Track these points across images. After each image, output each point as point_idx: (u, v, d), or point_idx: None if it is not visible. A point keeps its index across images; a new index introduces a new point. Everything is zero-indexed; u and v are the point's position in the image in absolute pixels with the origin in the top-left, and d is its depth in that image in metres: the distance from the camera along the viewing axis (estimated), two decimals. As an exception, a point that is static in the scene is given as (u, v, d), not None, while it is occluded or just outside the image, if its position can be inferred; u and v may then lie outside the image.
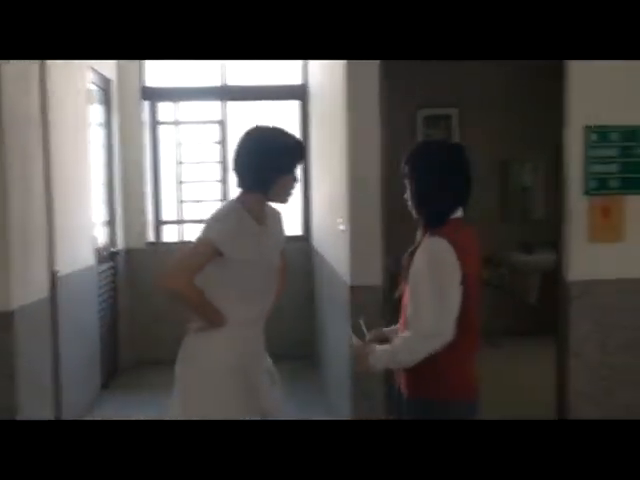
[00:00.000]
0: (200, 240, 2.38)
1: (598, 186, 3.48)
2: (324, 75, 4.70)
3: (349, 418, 3.66)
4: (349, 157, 3.53)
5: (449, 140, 2.35)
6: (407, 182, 2.28)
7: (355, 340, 2.35)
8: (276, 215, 2.63)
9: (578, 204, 3.50)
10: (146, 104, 6.10)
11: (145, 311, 5.95)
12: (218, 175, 6.20)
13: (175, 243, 6.23)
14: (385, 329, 2.50)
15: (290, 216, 6.49)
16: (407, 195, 2.29)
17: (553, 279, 3.70)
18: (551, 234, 3.90)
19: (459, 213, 2.24)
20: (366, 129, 3.49)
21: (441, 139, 2.38)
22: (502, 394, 4.83)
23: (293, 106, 6.29)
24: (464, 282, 2.13)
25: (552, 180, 3.76)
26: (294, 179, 2.49)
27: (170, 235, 6.33)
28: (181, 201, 6.26)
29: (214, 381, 2.40)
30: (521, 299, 6.64)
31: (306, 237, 6.31)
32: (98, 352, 5.08)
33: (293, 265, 6.12)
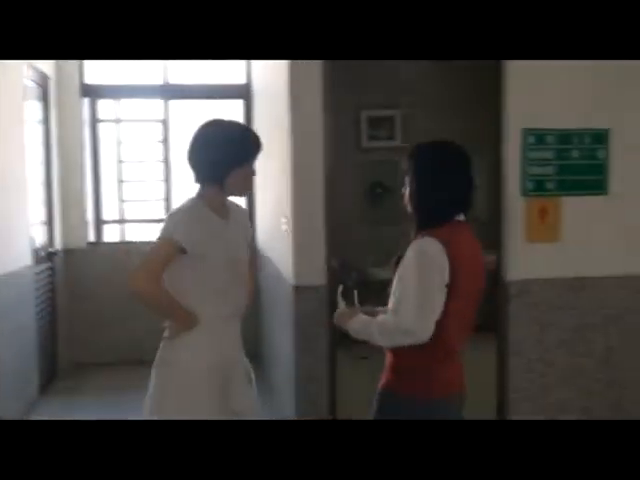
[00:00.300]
0: (161, 239, 2.33)
1: (535, 187, 3.57)
2: (267, 75, 4.68)
3: (294, 419, 3.65)
4: (292, 158, 3.53)
5: (452, 142, 2.32)
6: (407, 180, 2.28)
7: (343, 304, 2.38)
8: (239, 209, 2.61)
9: (516, 205, 3.57)
10: (86, 101, 5.97)
11: (85, 312, 5.82)
12: (161, 174, 6.11)
13: (116, 243, 6.11)
14: (378, 308, 2.48)
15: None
16: (405, 192, 2.29)
17: (493, 278, 3.76)
18: (492, 234, 3.98)
19: (460, 216, 2.25)
20: (309, 130, 3.49)
21: (444, 140, 2.36)
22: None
23: (237, 105, 6.24)
24: (457, 283, 2.13)
25: (493, 181, 3.81)
26: (250, 171, 2.46)
27: (111, 235, 6.22)
28: (122, 200, 6.15)
29: (189, 381, 2.37)
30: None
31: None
32: (36, 355, 4.94)
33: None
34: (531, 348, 3.62)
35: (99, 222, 6.15)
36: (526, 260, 3.59)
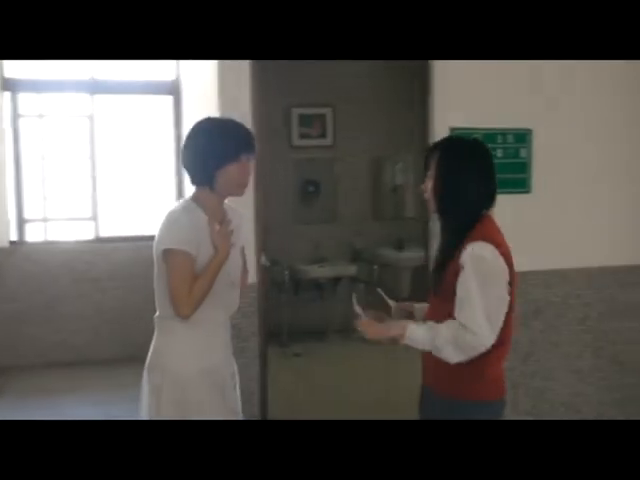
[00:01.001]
0: (174, 255, 2.25)
1: (462, 185, 3.65)
2: (196, 72, 4.62)
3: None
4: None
5: (476, 139, 2.30)
6: (433, 175, 2.19)
7: (361, 311, 2.29)
8: (236, 212, 2.50)
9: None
10: (7, 95, 5.76)
11: (7, 313, 5.62)
12: (86, 171, 5.95)
13: (40, 243, 5.92)
14: (415, 304, 2.47)
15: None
16: (428, 187, 2.20)
17: (423, 275, 3.83)
18: (422, 231, 4.05)
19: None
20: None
21: (466, 137, 2.32)
22: (373, 386, 4.97)
23: (166, 101, 6.15)
24: (511, 281, 2.11)
25: (423, 179, 3.87)
26: (242, 168, 2.32)
27: (34, 234, 6.01)
28: (45, 198, 5.96)
29: (187, 385, 2.31)
30: (393, 295, 6.85)
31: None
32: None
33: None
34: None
35: (21, 221, 5.93)
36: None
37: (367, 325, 2.26)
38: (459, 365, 2.09)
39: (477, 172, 2.18)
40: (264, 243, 3.65)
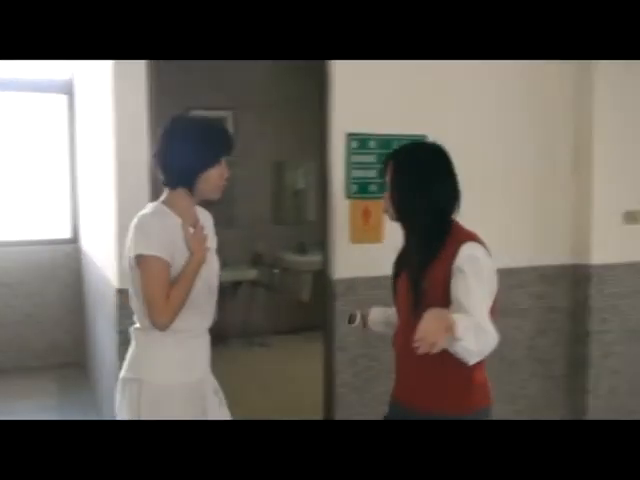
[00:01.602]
0: (148, 261, 2.15)
1: (359, 190, 3.71)
2: (91, 70, 4.48)
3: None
4: (117, 158, 3.40)
5: (430, 142, 2.28)
6: (395, 185, 2.19)
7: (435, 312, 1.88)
8: (205, 215, 2.43)
9: (341, 207, 3.70)
10: None
11: None
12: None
13: None
14: (387, 310, 2.44)
15: (57, 218, 6.12)
16: (389, 197, 2.21)
17: (324, 279, 3.88)
18: (320, 235, 4.08)
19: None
20: (134, 130, 3.37)
21: (426, 141, 2.31)
22: (274, 390, 4.97)
23: (60, 100, 5.93)
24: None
25: (320, 183, 3.92)
26: (222, 171, 2.28)
27: None
28: None
29: (165, 400, 2.20)
30: (294, 298, 6.89)
31: (74, 239, 5.99)
32: None
33: (62, 269, 5.84)
34: (356, 344, 3.76)
35: None
36: (351, 260, 3.72)
37: (426, 330, 1.83)
38: (446, 374, 2.08)
39: (435, 174, 2.18)
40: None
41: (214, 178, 2.27)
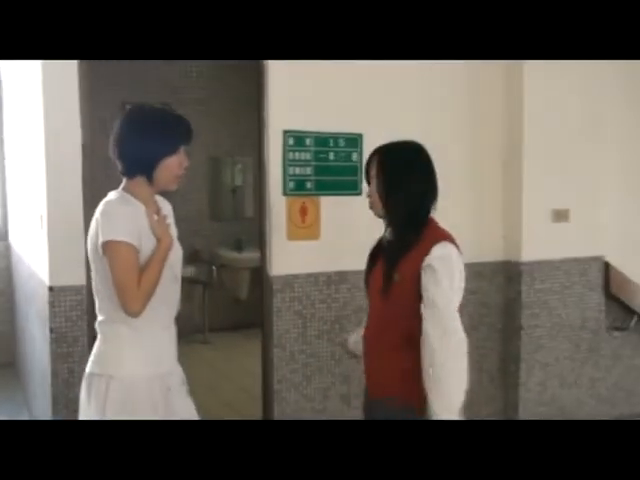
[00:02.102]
0: (116, 247, 2.09)
1: (295, 187, 3.72)
2: (19, 67, 4.34)
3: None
4: (47, 153, 3.30)
5: (411, 140, 2.31)
6: (378, 182, 2.24)
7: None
8: (166, 205, 2.40)
9: (278, 204, 3.70)
10: None
11: None
12: None
13: None
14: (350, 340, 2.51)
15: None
16: (374, 195, 2.26)
17: (260, 275, 3.87)
18: (260, 232, 4.08)
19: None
20: (66, 126, 3.29)
21: (404, 140, 2.31)
22: (214, 387, 4.95)
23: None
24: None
25: (258, 180, 3.90)
26: (180, 159, 2.25)
27: None
28: None
29: (130, 395, 2.15)
30: (232, 295, 6.86)
31: (3, 236, 5.82)
32: None
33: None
34: (294, 340, 3.78)
35: None
36: (288, 257, 3.73)
37: None
38: (410, 362, 2.13)
39: (419, 171, 2.25)
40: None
41: (173, 166, 2.24)
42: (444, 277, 2.10)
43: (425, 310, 2.10)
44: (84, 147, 3.34)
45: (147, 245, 2.18)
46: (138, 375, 2.20)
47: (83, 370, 3.36)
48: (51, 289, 3.29)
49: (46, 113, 3.28)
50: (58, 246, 3.30)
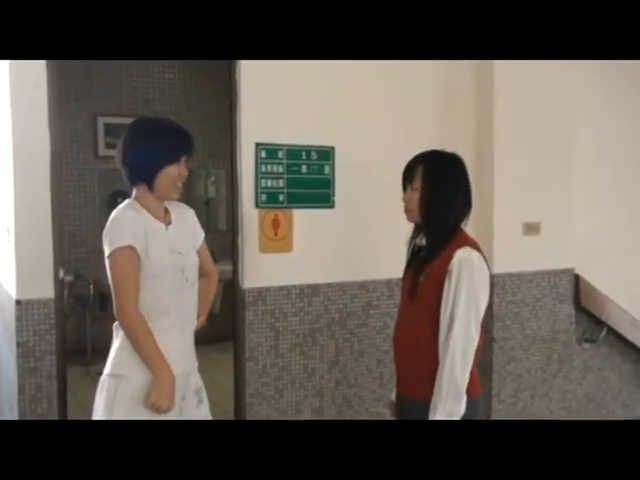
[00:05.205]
0: (117, 251, 2.17)
1: (268, 200, 3.71)
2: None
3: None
4: (15, 162, 3.26)
5: (453, 153, 2.39)
6: (415, 187, 2.30)
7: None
8: (184, 211, 2.44)
9: (251, 217, 3.68)
10: None
11: None
12: None
13: None
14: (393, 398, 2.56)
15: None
16: (412, 199, 2.32)
17: (232, 287, 3.85)
18: (231, 244, 4.06)
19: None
20: (35, 136, 3.25)
21: (442, 150, 2.38)
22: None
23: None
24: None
25: (231, 192, 3.89)
26: (180, 170, 2.32)
27: None
28: None
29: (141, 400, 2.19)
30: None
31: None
32: None
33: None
34: (266, 353, 3.76)
35: None
36: (261, 269, 3.72)
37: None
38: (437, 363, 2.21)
39: (460, 183, 2.33)
40: (64, 256, 3.47)
41: (173, 175, 2.31)
42: (463, 280, 2.17)
43: (442, 312, 2.20)
44: (53, 158, 3.30)
45: (155, 252, 2.24)
46: (145, 378, 2.24)
47: (51, 385, 3.34)
48: (18, 302, 3.24)
49: (14, 124, 3.24)
50: (25, 259, 3.26)
